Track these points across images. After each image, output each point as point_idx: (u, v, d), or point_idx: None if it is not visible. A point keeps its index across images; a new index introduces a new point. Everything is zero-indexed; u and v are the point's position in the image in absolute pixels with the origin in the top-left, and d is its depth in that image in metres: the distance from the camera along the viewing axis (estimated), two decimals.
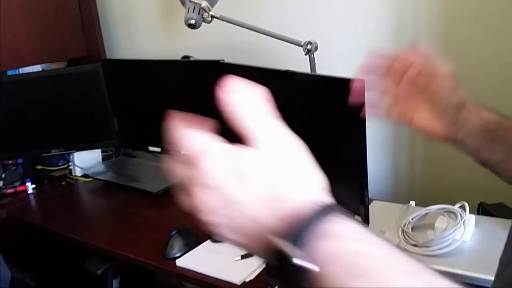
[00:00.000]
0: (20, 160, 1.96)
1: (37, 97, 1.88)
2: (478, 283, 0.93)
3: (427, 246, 1.05)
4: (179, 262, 1.30)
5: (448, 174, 1.39)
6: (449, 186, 1.39)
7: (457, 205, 1.13)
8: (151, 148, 1.87)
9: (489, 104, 0.61)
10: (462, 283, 0.34)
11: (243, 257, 1.28)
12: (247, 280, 1.19)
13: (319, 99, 1.24)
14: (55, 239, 1.60)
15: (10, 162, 1.95)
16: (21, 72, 1.97)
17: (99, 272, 1.46)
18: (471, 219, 1.11)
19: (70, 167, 2.03)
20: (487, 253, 1.00)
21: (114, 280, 1.54)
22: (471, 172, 1.00)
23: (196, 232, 1.39)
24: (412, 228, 1.13)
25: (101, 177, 1.93)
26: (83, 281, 1.60)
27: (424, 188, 1.46)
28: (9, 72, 1.94)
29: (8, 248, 1.53)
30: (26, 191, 1.88)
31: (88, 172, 1.96)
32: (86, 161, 2.02)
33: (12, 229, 1.72)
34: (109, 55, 2.17)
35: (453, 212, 1.12)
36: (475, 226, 1.11)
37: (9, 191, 1.86)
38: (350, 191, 1.15)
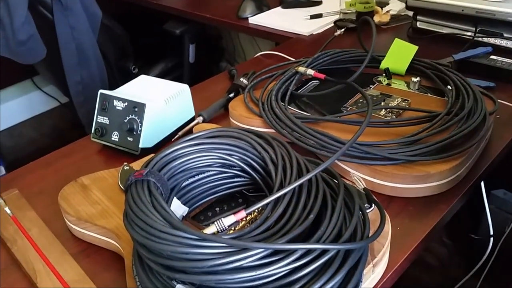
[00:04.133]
0: None
1: None
2: None
3: None
4: (252, 20, 1.39)
5: None
6: None
7: None
8: None
9: None
10: None
11: (312, 17, 1.34)
12: (314, 33, 1.27)
13: None
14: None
15: None
16: None
17: (177, 31, 1.57)
18: None
19: None
20: None
21: (190, 45, 1.66)
22: None
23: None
24: None
25: None
26: (164, 43, 1.73)
27: None
28: None
29: None
30: None
31: None
32: None
33: None
34: None
35: None
36: None
37: None
38: None
